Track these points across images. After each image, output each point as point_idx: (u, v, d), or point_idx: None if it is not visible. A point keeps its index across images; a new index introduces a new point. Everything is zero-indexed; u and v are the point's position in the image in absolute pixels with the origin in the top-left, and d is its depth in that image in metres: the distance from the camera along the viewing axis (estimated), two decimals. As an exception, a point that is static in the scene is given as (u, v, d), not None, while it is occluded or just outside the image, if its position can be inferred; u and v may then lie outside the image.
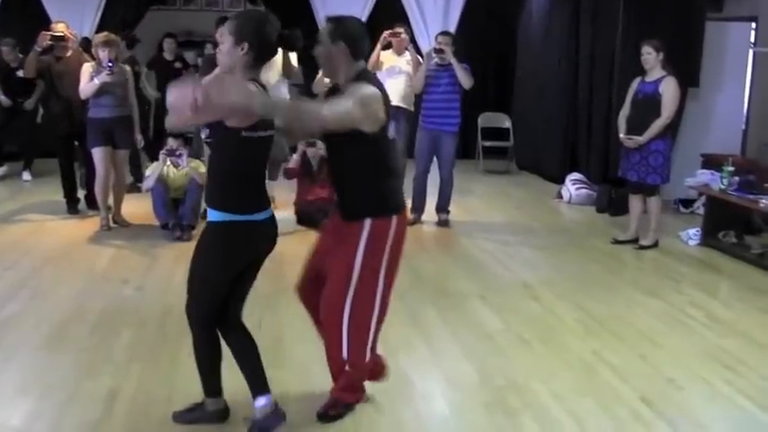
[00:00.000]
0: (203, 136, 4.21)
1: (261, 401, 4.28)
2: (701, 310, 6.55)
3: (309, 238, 8.39)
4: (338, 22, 4.21)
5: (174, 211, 8.54)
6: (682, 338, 5.93)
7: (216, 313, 4.17)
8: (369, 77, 4.21)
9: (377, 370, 4.69)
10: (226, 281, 4.08)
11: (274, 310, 6.26)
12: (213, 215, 3.97)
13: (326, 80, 9.09)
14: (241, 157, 3.94)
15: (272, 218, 4.13)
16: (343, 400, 4.53)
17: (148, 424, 4.43)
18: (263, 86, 3.99)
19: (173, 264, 7.44)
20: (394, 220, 4.22)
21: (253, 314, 6.10)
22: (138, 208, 9.11)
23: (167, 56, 12.31)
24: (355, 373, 4.44)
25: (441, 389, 4.93)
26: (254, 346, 4.35)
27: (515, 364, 5.34)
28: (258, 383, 4.31)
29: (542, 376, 5.13)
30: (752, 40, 9.82)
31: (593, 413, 4.64)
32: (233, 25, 3.94)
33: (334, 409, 4.51)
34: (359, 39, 4.21)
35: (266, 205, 4.09)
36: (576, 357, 5.49)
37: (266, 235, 4.13)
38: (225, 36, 3.96)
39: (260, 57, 3.96)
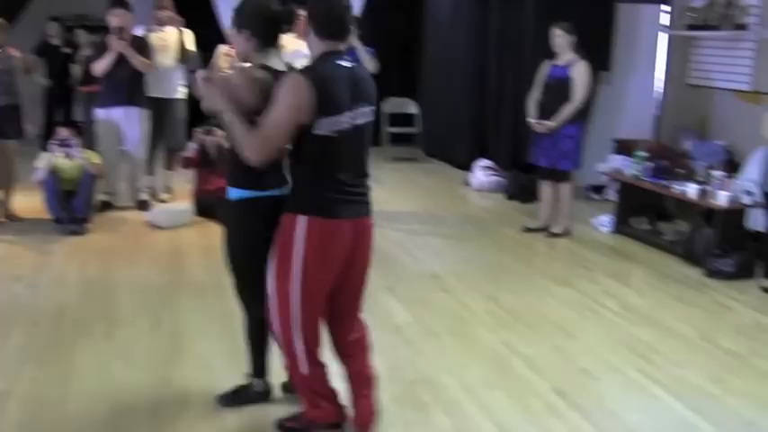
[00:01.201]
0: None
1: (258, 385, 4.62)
2: (614, 298, 6.71)
3: (208, 229, 8.44)
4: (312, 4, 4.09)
5: (67, 204, 8.38)
6: (595, 328, 6.06)
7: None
8: (320, 61, 4.00)
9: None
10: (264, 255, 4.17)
11: (173, 305, 6.23)
12: (234, 193, 4.21)
13: (224, 64, 9.08)
14: None
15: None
16: (306, 415, 4.34)
17: (42, 426, 4.39)
18: (276, 71, 4.13)
19: (67, 259, 7.38)
20: (302, 219, 3.93)
21: (150, 309, 6.13)
22: (29, 201, 8.87)
23: (54, 41, 12.09)
24: (302, 385, 4.27)
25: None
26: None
27: (425, 357, 5.39)
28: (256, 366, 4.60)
29: (453, 369, 5.19)
30: (664, 22, 10.01)
31: (506, 406, 4.72)
32: (233, 16, 4.20)
33: (294, 420, 4.40)
34: (324, 19, 4.07)
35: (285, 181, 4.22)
36: (488, 349, 5.56)
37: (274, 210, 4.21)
38: (231, 27, 4.25)
39: (265, 40, 4.18)
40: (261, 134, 3.85)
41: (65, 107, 12.22)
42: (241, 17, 4.17)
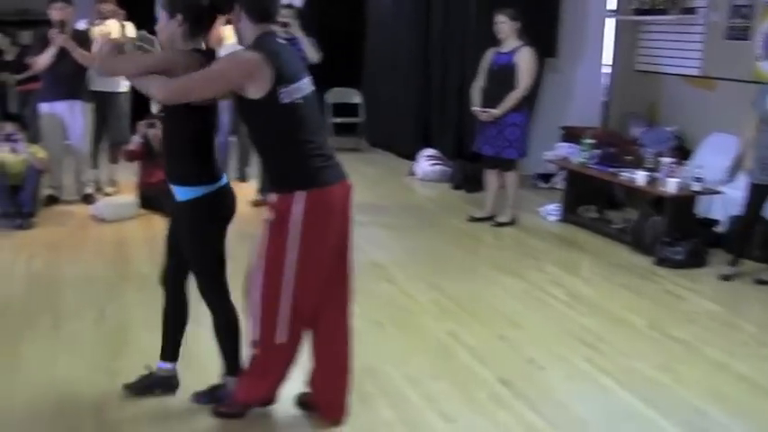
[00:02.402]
0: (154, 111, 4.26)
1: (165, 365, 4.65)
2: (561, 288, 6.73)
3: (153, 222, 8.41)
4: None
5: (13, 198, 8.42)
6: (542, 318, 6.08)
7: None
8: (261, 41, 4.08)
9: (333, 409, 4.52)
10: (218, 249, 4.40)
11: (118, 298, 6.28)
12: (186, 192, 4.25)
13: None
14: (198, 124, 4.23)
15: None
16: (240, 398, 4.45)
17: None
18: (210, 53, 4.26)
19: (13, 253, 7.40)
20: (297, 196, 4.06)
21: (96, 302, 6.13)
22: None
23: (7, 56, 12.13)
24: (261, 360, 4.32)
25: (291, 375, 4.89)
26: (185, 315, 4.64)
27: (369, 347, 5.34)
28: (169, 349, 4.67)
29: (397, 360, 5.19)
30: (611, 7, 10.09)
31: (451, 396, 4.72)
32: (164, 0, 4.18)
33: (228, 407, 4.46)
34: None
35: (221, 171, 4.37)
36: (432, 339, 5.56)
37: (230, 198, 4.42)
38: (160, 12, 4.20)
39: (196, 25, 4.19)
40: (187, 79, 3.99)
41: None
42: (176, 2, 4.15)
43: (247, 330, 4.34)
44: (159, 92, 4.00)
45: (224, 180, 4.34)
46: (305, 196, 4.07)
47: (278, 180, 4.17)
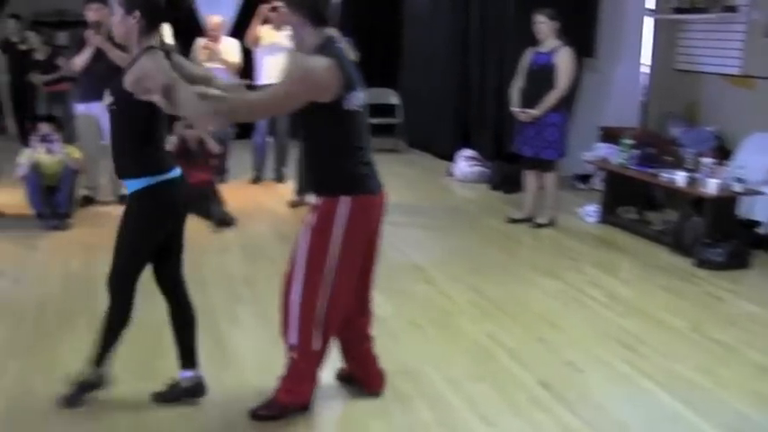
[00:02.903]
0: (106, 102, 4.29)
1: (187, 374, 4.62)
2: (600, 289, 6.69)
3: (188, 223, 8.35)
4: None
5: (50, 199, 8.48)
6: (581, 319, 6.05)
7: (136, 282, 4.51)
8: (326, 47, 4.14)
9: (374, 381, 4.76)
10: (143, 246, 4.47)
11: (153, 298, 6.17)
12: (135, 183, 4.32)
13: (203, 58, 9.07)
14: (145, 119, 4.28)
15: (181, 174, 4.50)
16: (278, 400, 4.50)
17: (28, 420, 4.44)
18: (167, 51, 4.31)
19: (49, 254, 7.48)
20: (343, 201, 4.14)
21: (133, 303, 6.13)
22: (11, 197, 9.00)
23: (13, 38, 12.26)
24: (299, 364, 4.39)
25: (330, 376, 4.90)
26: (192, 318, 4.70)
27: (408, 349, 5.37)
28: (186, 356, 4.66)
29: (436, 361, 5.18)
30: (650, 6, 10.01)
31: (490, 398, 4.71)
32: None
33: (267, 409, 4.50)
34: (316, 2, 4.21)
35: (174, 163, 4.48)
36: (471, 341, 5.55)
37: (182, 192, 4.52)
38: (115, 8, 4.24)
39: (152, 22, 4.23)
40: (276, 96, 4.08)
41: (28, 104, 12.35)
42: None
43: (285, 334, 4.38)
44: (254, 115, 4.02)
45: (173, 173, 4.42)
46: (350, 201, 4.14)
47: (326, 184, 4.21)
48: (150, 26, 4.22)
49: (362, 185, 4.23)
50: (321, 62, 4.02)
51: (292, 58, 4.14)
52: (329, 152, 4.18)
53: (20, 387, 4.80)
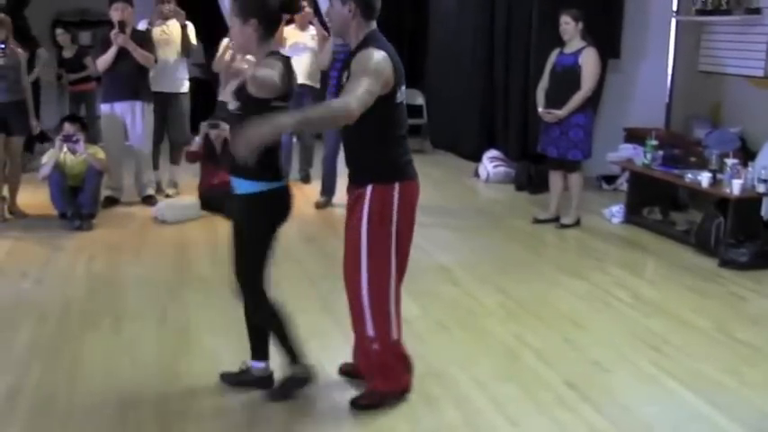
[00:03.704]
0: (231, 108, 4.33)
1: (259, 365, 4.74)
2: (625, 289, 6.69)
3: (214, 224, 8.47)
4: None
5: (73, 199, 8.48)
6: (606, 319, 6.06)
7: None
8: (376, 39, 4.27)
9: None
10: (266, 245, 4.47)
11: (179, 300, 6.32)
12: (250, 186, 4.34)
13: (228, 57, 9.08)
14: None
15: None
16: (378, 389, 4.59)
17: (51, 421, 4.45)
18: (285, 56, 4.40)
19: (73, 255, 7.49)
20: (397, 186, 4.30)
21: (156, 304, 6.18)
22: (34, 197, 9.06)
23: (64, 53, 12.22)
24: (383, 354, 4.49)
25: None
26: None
27: (435, 350, 5.39)
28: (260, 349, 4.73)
29: (463, 362, 5.20)
30: (674, 8, 9.99)
31: (517, 399, 4.73)
32: (237, 6, 4.29)
33: (368, 398, 4.59)
34: None
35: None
36: (498, 342, 5.57)
37: (289, 199, 4.52)
38: (232, 19, 4.33)
39: (269, 29, 4.32)
40: (362, 92, 4.03)
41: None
42: (247, 7, 4.25)
43: (360, 327, 4.48)
44: (347, 117, 4.03)
45: (285, 181, 4.46)
46: (403, 187, 4.30)
47: (379, 172, 4.28)
48: (267, 32, 4.30)
49: (410, 172, 4.40)
50: (383, 55, 4.13)
51: (363, 52, 4.14)
52: (383, 142, 4.28)
53: (43, 388, 4.82)
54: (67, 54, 12.15)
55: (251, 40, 4.30)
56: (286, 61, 4.33)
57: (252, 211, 4.40)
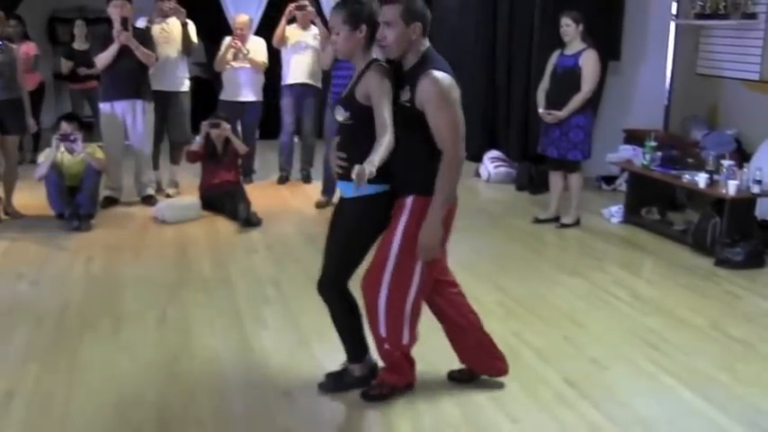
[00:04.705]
0: (340, 118, 4.34)
1: (355, 369, 4.76)
2: (624, 288, 6.75)
3: (215, 224, 8.49)
4: (408, 2, 4.27)
5: (71, 199, 8.32)
6: (605, 318, 6.11)
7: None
8: (434, 57, 4.34)
9: (494, 362, 4.92)
10: (368, 249, 4.48)
11: (179, 300, 6.25)
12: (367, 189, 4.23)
13: (229, 56, 9.06)
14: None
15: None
16: (388, 381, 4.68)
17: (49, 423, 4.40)
18: (386, 66, 4.37)
19: (71, 255, 7.37)
20: (429, 201, 4.28)
21: (156, 304, 6.12)
22: (31, 198, 8.88)
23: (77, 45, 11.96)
24: (394, 353, 4.57)
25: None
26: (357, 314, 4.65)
27: (434, 348, 5.35)
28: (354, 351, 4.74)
29: (464, 360, 5.22)
30: (673, 11, 10.04)
31: (516, 396, 4.77)
32: (346, 13, 4.30)
33: (378, 389, 4.68)
34: (427, 14, 4.38)
35: None
36: (498, 340, 5.48)
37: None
38: (339, 26, 4.32)
39: (374, 35, 4.31)
40: (456, 123, 4.20)
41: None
42: (360, 14, 4.29)
43: (374, 328, 4.52)
44: (461, 163, 4.24)
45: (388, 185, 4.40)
46: (426, 200, 4.27)
47: (423, 183, 4.27)
48: (372, 39, 4.32)
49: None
50: (450, 79, 4.23)
51: (430, 79, 4.19)
52: (431, 155, 4.24)
53: (40, 390, 4.74)
54: (81, 47, 11.65)
55: (358, 47, 4.34)
56: (388, 70, 4.34)
57: (372, 210, 4.42)
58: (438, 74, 4.18)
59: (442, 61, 4.33)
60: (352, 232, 4.46)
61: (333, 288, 4.55)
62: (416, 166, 4.30)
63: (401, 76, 4.34)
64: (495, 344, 4.89)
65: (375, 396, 4.64)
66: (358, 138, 4.31)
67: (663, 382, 5.01)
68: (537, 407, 4.65)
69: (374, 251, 4.48)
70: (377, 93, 4.21)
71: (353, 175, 3.79)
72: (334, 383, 4.76)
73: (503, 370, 4.87)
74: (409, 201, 4.32)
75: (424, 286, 4.50)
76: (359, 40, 4.30)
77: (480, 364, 4.89)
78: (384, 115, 4.15)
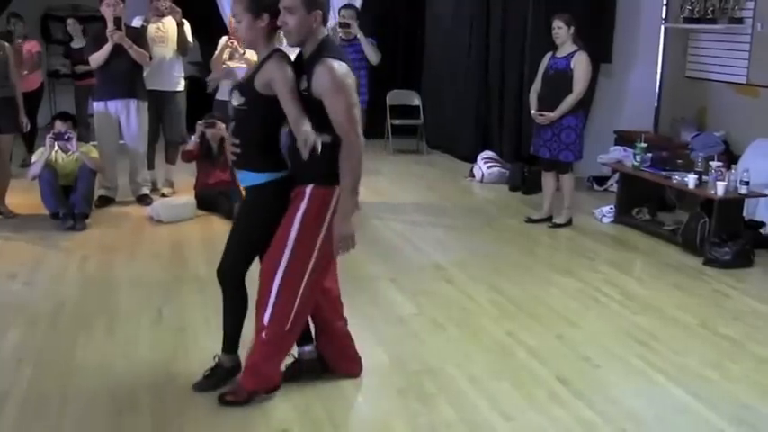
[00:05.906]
0: (235, 103, 4.33)
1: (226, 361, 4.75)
2: (615, 287, 6.78)
3: (210, 223, 8.48)
4: None
5: (65, 199, 8.25)
6: (597, 317, 6.14)
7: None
8: (330, 46, 4.29)
9: (350, 365, 4.92)
10: (266, 237, 4.41)
11: (175, 300, 6.24)
12: (255, 177, 4.38)
13: (225, 56, 9.01)
14: (275, 118, 4.27)
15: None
16: (244, 386, 4.58)
17: (43, 424, 4.37)
18: (286, 54, 4.34)
19: (64, 256, 7.33)
20: (336, 191, 4.27)
21: (152, 304, 6.09)
22: (24, 197, 8.81)
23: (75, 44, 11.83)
24: (267, 346, 4.47)
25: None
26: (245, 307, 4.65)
27: (429, 347, 5.45)
28: (231, 341, 4.72)
29: (457, 359, 5.25)
30: (663, 15, 10.08)
31: (510, 395, 4.79)
32: (247, 1, 4.24)
33: (234, 395, 4.58)
34: (327, 3, 4.33)
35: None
36: (492, 339, 5.63)
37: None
38: (240, 14, 4.26)
39: (325, 20, 4.29)
40: (354, 110, 4.17)
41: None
42: (260, 1, 4.23)
43: (260, 313, 4.46)
44: (361, 150, 4.20)
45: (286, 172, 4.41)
46: (335, 191, 4.26)
47: (324, 173, 4.24)
48: (276, 28, 4.28)
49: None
50: (345, 67, 4.19)
51: (325, 67, 4.13)
52: (332, 146, 4.17)
53: (34, 391, 4.71)
54: (78, 45, 11.42)
55: (260, 36, 4.29)
56: (289, 59, 4.31)
57: (263, 199, 4.43)
58: (332, 62, 4.14)
59: (338, 50, 4.31)
60: (247, 220, 4.50)
61: (230, 275, 4.56)
62: (322, 157, 4.17)
63: (300, 65, 4.31)
64: (355, 346, 4.93)
65: (228, 402, 4.55)
66: (251, 124, 4.35)
67: (653, 380, 5.05)
68: (530, 405, 4.68)
69: (273, 239, 4.42)
70: (280, 85, 4.17)
71: (300, 141, 3.95)
72: (207, 381, 4.71)
73: (356, 373, 4.93)
74: (308, 189, 4.30)
75: (319, 276, 4.46)
76: (261, 28, 4.26)
77: (337, 364, 4.91)
78: (292, 110, 4.14)
